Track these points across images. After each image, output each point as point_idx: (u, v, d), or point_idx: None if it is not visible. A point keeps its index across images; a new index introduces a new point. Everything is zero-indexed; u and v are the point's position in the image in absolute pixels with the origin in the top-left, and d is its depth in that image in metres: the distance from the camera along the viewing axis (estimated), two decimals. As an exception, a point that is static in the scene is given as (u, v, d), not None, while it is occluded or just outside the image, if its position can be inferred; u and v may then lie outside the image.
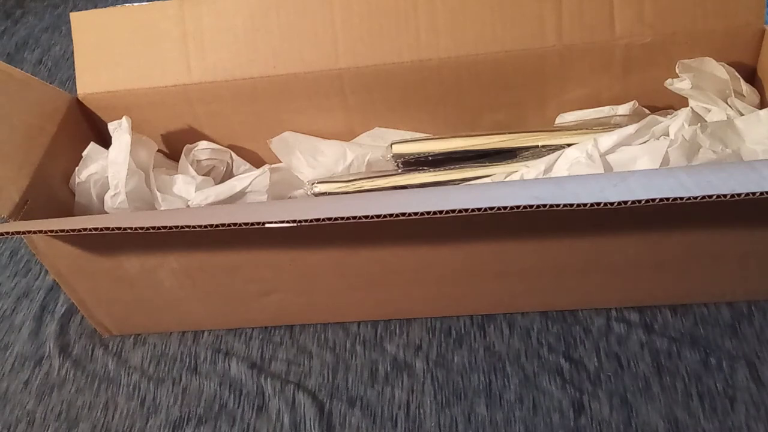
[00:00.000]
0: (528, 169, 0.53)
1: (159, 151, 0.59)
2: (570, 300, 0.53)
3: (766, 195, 0.33)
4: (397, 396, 0.51)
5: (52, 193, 0.52)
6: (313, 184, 0.55)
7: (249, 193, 0.55)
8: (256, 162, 0.62)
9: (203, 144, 0.59)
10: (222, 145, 0.60)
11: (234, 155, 0.60)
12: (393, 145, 0.55)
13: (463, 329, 0.54)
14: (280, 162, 0.60)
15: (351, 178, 0.54)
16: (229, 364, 0.55)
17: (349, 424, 0.50)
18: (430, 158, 0.56)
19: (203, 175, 0.58)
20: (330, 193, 0.54)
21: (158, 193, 0.53)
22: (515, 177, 0.53)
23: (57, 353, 0.57)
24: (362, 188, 0.53)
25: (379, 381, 0.52)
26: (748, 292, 0.52)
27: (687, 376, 0.49)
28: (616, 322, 0.53)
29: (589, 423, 0.48)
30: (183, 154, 0.59)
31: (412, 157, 0.55)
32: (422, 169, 0.55)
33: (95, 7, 0.64)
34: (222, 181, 0.58)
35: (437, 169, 0.55)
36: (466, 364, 0.52)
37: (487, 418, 0.49)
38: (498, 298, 0.53)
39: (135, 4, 0.56)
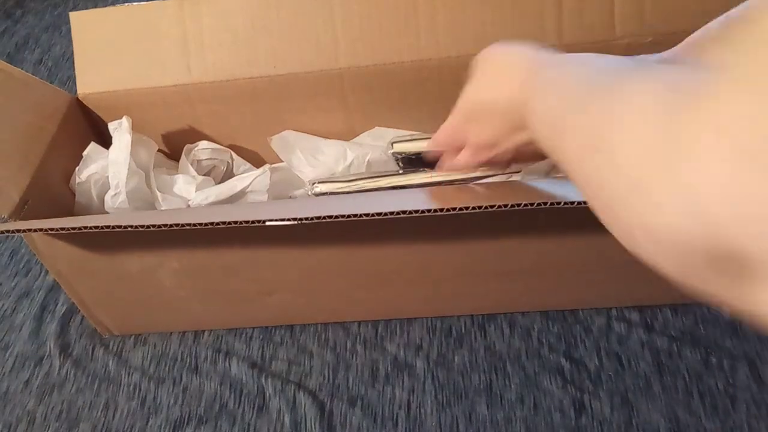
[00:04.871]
0: (530, 171, 0.53)
1: (159, 150, 0.59)
2: (570, 299, 0.53)
3: None
4: (397, 396, 0.51)
5: (52, 193, 0.51)
6: (313, 184, 0.55)
7: (249, 193, 0.55)
8: (257, 162, 0.62)
9: (203, 144, 0.59)
10: (222, 145, 0.60)
11: (234, 155, 0.60)
12: (394, 144, 0.55)
13: (463, 329, 0.54)
14: (281, 162, 0.60)
15: (351, 178, 0.54)
16: (229, 364, 0.55)
17: (349, 423, 0.50)
18: (431, 156, 0.56)
19: (204, 174, 0.58)
20: (330, 193, 0.54)
21: (159, 193, 0.53)
22: (516, 177, 0.53)
23: (57, 353, 0.57)
24: (363, 188, 0.53)
25: (380, 381, 0.52)
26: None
27: (688, 375, 0.49)
28: (617, 321, 0.53)
29: (590, 422, 0.48)
30: (183, 154, 0.58)
31: (412, 154, 0.55)
32: (423, 170, 0.55)
33: (95, 7, 0.64)
34: (222, 180, 0.58)
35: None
36: (467, 363, 0.52)
37: (487, 418, 0.49)
38: (498, 298, 0.53)
39: (135, 3, 0.55)
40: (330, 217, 0.34)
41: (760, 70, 0.14)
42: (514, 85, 0.33)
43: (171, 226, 0.36)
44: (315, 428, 0.50)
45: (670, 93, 0.17)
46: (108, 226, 0.37)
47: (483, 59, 0.38)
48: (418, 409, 0.50)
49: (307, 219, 0.35)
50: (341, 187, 0.53)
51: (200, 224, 0.36)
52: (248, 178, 0.55)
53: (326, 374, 0.53)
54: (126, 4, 0.56)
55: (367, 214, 0.34)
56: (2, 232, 0.39)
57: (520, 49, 0.35)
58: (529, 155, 0.39)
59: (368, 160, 0.56)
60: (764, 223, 0.13)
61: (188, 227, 0.36)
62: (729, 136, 0.14)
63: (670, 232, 0.16)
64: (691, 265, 0.16)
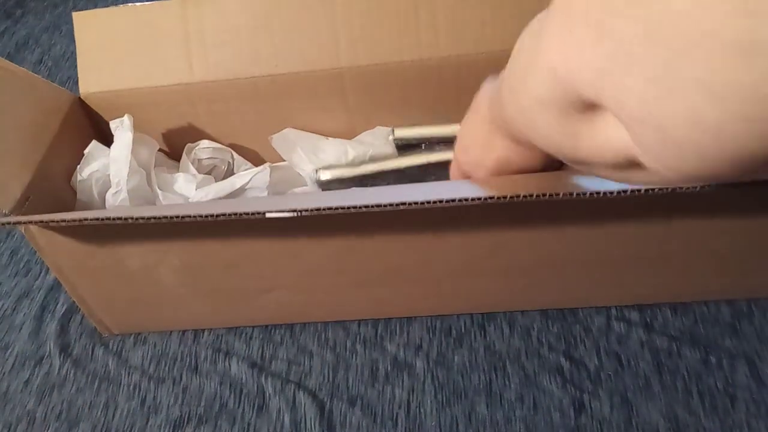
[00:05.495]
0: None
1: (160, 150, 0.59)
2: (570, 298, 0.54)
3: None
4: (397, 395, 0.51)
5: (53, 190, 0.52)
6: (318, 170, 0.55)
7: (249, 190, 0.55)
8: (258, 161, 0.62)
9: (204, 143, 0.59)
10: (223, 144, 0.60)
11: (235, 154, 0.60)
12: (395, 129, 0.57)
13: (463, 328, 0.54)
14: (281, 161, 0.60)
15: (355, 164, 0.55)
16: (229, 364, 0.55)
17: (349, 423, 0.50)
18: (431, 142, 0.57)
19: (204, 174, 0.58)
20: (336, 179, 0.54)
21: (159, 191, 0.54)
22: None
23: (57, 353, 0.57)
24: (367, 172, 0.54)
25: (380, 380, 0.52)
26: (748, 290, 0.52)
27: (687, 375, 0.49)
28: (617, 321, 0.53)
29: (590, 422, 0.48)
30: (184, 153, 0.58)
31: (413, 140, 0.56)
32: (421, 151, 0.56)
33: (95, 7, 0.64)
34: (223, 180, 0.58)
35: (437, 150, 0.56)
36: (467, 363, 0.52)
37: (487, 417, 0.49)
38: (498, 297, 0.53)
39: (137, 3, 0.56)
40: (330, 208, 0.35)
41: None
42: (486, 103, 0.38)
43: (172, 218, 0.37)
44: (315, 428, 0.50)
45: (543, 14, 0.24)
46: (108, 218, 0.37)
47: (473, 102, 0.43)
48: (417, 409, 0.50)
49: (306, 211, 0.35)
50: (346, 173, 0.54)
51: (200, 215, 0.36)
52: (248, 175, 0.55)
53: (326, 374, 0.53)
54: (128, 3, 0.56)
55: (367, 206, 0.35)
56: (2, 225, 0.39)
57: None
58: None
59: (370, 156, 0.56)
60: (591, 77, 0.20)
61: (189, 219, 0.37)
62: (560, 24, 0.22)
63: (546, 97, 0.24)
64: (557, 118, 0.24)
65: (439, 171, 0.56)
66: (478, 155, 0.41)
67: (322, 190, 0.56)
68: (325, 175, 0.55)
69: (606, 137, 0.22)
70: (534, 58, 0.24)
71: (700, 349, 0.51)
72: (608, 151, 0.23)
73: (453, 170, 0.46)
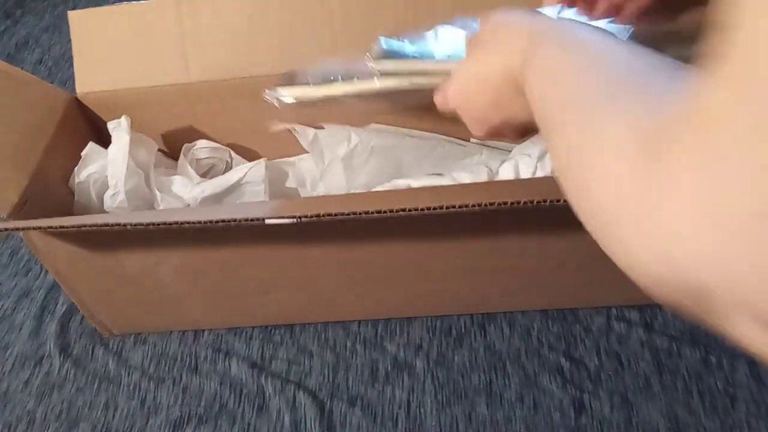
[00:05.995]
0: (522, 156, 0.53)
1: (159, 150, 0.59)
2: (570, 299, 0.53)
3: None
4: (397, 395, 0.51)
5: (51, 192, 0.51)
6: (279, 89, 0.46)
7: (245, 185, 0.55)
8: (255, 160, 0.62)
9: (202, 143, 0.59)
10: (221, 144, 0.60)
11: (233, 153, 0.60)
12: (379, 61, 0.48)
13: (463, 328, 0.54)
14: (279, 158, 0.60)
15: (320, 83, 0.48)
16: (229, 364, 0.55)
17: (349, 423, 0.50)
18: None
19: (203, 173, 0.58)
20: (298, 100, 0.47)
21: (158, 193, 0.53)
22: (508, 166, 0.53)
23: (57, 353, 0.57)
24: (331, 94, 0.46)
25: (380, 380, 0.52)
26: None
27: (687, 375, 0.49)
28: (617, 320, 0.53)
29: (590, 421, 0.48)
30: (182, 154, 0.58)
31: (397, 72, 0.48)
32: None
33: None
34: (219, 177, 0.58)
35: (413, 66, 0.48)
36: (467, 363, 0.52)
37: (487, 417, 0.49)
38: (498, 297, 0.53)
39: (134, 2, 0.55)
40: (329, 215, 0.35)
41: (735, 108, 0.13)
42: (514, 56, 0.30)
43: (170, 223, 0.36)
44: (315, 428, 0.50)
45: (645, 127, 0.17)
46: (107, 224, 0.37)
47: (483, 31, 0.35)
48: (418, 409, 0.50)
49: (305, 217, 0.35)
50: (309, 94, 0.45)
51: (200, 222, 0.36)
52: (243, 170, 0.54)
53: (326, 374, 0.53)
54: (125, 2, 0.56)
55: (366, 212, 0.35)
56: (1, 230, 0.39)
57: (519, 18, 0.32)
58: (514, 132, 0.36)
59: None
60: (728, 278, 0.14)
61: (188, 225, 0.36)
62: (692, 193, 0.15)
63: (641, 269, 0.17)
64: (665, 294, 0.17)
65: (409, 97, 0.45)
66: (484, 109, 0.34)
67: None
68: (288, 99, 0.46)
69: (732, 331, 0.16)
70: (632, 213, 0.17)
71: (700, 349, 0.51)
72: (724, 331, 0.17)
73: (440, 105, 0.38)
